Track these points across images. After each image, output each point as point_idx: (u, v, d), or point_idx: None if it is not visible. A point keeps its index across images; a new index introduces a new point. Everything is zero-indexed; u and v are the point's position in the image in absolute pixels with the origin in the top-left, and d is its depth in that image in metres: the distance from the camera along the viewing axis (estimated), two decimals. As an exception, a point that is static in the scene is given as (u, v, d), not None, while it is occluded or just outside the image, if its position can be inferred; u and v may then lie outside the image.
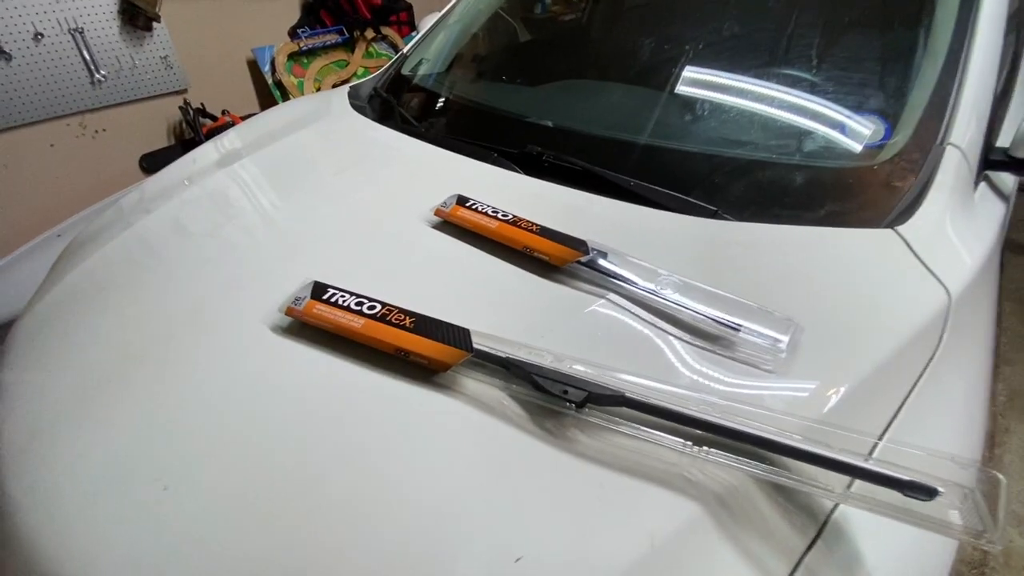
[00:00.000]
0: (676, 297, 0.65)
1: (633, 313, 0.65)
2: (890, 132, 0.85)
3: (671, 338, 0.62)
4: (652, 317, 0.65)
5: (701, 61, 1.03)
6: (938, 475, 0.43)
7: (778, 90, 0.94)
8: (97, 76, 2.15)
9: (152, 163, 2.35)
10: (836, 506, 0.48)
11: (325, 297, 0.64)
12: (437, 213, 0.81)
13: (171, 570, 0.47)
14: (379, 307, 0.63)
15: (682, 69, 1.02)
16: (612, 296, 0.67)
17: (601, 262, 0.70)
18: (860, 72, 0.93)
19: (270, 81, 2.64)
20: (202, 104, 2.41)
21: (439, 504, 0.49)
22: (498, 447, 0.53)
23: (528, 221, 0.76)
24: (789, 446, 0.47)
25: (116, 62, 2.19)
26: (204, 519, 0.50)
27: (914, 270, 0.66)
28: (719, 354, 0.60)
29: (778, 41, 1.01)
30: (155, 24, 2.23)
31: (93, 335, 0.71)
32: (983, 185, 0.87)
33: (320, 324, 0.63)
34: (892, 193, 0.77)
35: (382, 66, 1.49)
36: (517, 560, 0.45)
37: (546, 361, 0.57)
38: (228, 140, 1.21)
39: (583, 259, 0.70)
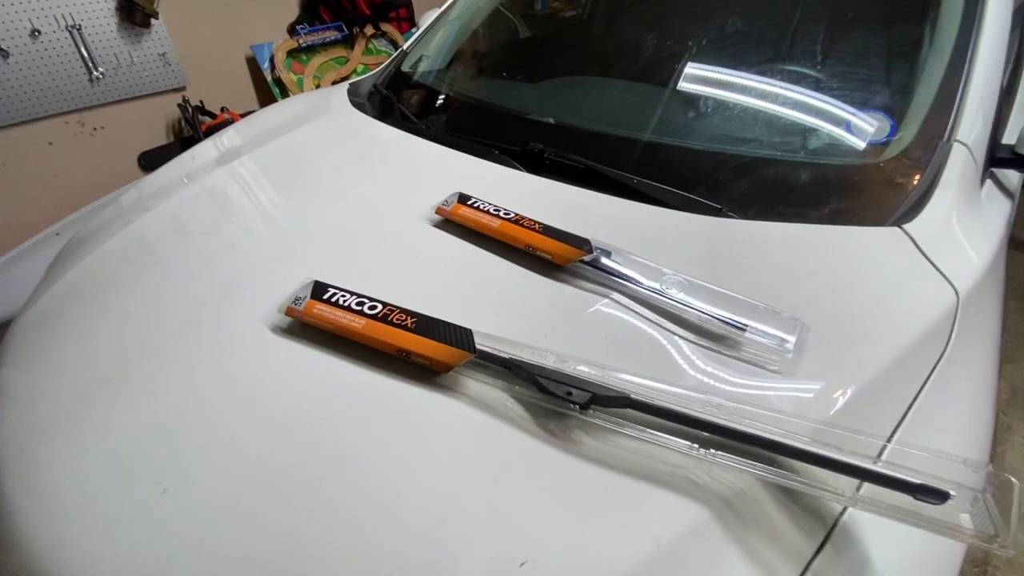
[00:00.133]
0: (681, 296, 0.64)
1: (637, 313, 0.64)
2: (896, 129, 0.84)
3: (676, 338, 0.62)
4: (656, 317, 0.64)
5: (704, 57, 1.02)
6: (949, 478, 0.43)
7: (783, 86, 0.93)
8: (95, 73, 2.13)
9: (151, 161, 2.34)
10: (845, 509, 0.48)
11: (325, 297, 0.64)
12: (438, 211, 0.80)
13: (170, 572, 0.47)
14: (380, 307, 0.62)
15: (685, 65, 1.01)
16: (616, 295, 0.66)
17: (605, 261, 0.69)
18: (865, 68, 0.93)
19: (269, 78, 2.62)
20: (201, 101, 2.40)
21: (441, 507, 0.48)
22: (501, 449, 0.52)
23: (530, 219, 0.75)
24: (797, 449, 0.46)
25: (114, 59, 2.18)
26: (203, 521, 0.49)
27: (922, 269, 0.66)
28: (725, 354, 0.59)
29: (782, 37, 1.01)
30: (153, 21, 2.22)
31: (92, 335, 0.71)
32: (989, 182, 0.86)
33: (320, 324, 0.62)
34: (898, 191, 0.77)
35: (382, 63, 1.48)
36: (521, 564, 0.44)
37: (549, 362, 0.56)
38: (227, 138, 1.20)
39: (586, 258, 0.69)
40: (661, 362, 0.59)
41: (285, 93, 2.62)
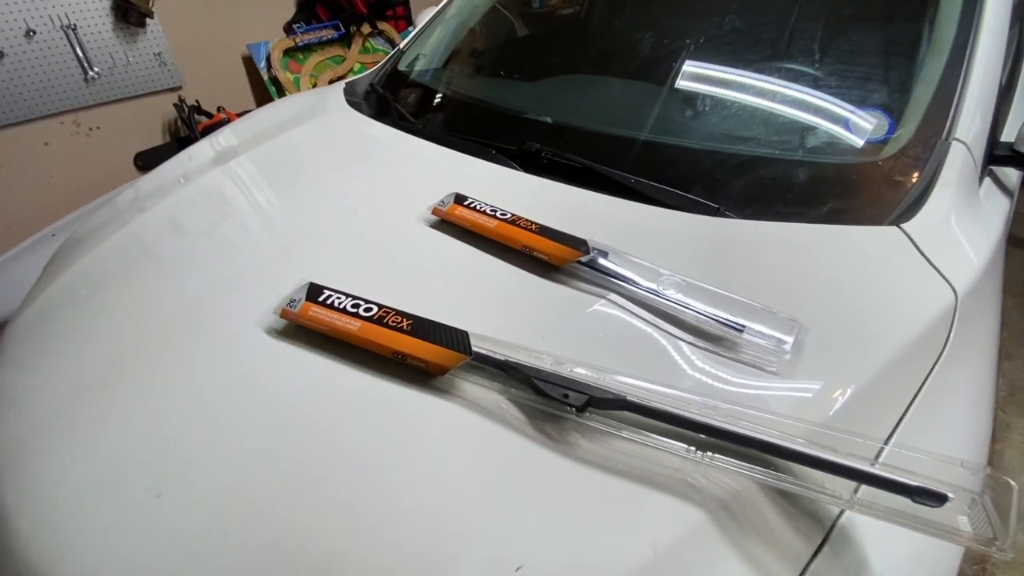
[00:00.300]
0: (678, 297, 0.64)
1: (634, 314, 0.64)
2: (894, 127, 0.83)
3: (673, 339, 0.61)
4: (654, 318, 0.63)
5: (702, 55, 1.02)
6: (947, 480, 0.43)
7: (781, 85, 0.92)
8: (91, 73, 2.12)
9: (147, 161, 2.33)
10: (842, 512, 0.47)
11: (321, 299, 0.63)
12: (435, 212, 0.79)
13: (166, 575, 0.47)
14: (376, 309, 0.62)
15: (683, 63, 1.00)
16: (613, 296, 0.66)
17: (602, 262, 0.69)
18: (864, 66, 0.92)
19: (266, 77, 2.62)
20: (197, 101, 2.39)
21: (438, 511, 0.48)
22: (497, 452, 0.52)
23: (527, 220, 0.75)
24: (794, 451, 0.46)
25: (110, 59, 2.17)
26: (198, 525, 0.49)
27: (920, 269, 0.65)
28: (722, 355, 0.59)
29: (780, 35, 1.00)
30: (148, 20, 2.21)
31: (87, 337, 0.71)
32: (987, 181, 0.86)
33: (316, 327, 0.62)
34: (896, 189, 0.76)
35: (379, 61, 1.48)
36: (518, 569, 0.44)
37: (546, 364, 0.56)
38: (224, 137, 1.20)
39: (583, 259, 0.69)
40: (658, 364, 0.59)
41: (282, 92, 2.61)
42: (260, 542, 0.48)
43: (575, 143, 0.93)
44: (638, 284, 0.66)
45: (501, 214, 0.76)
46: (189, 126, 2.32)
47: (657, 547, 0.45)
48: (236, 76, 2.67)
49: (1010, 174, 0.91)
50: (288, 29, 2.75)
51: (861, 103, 0.87)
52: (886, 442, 0.51)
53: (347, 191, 0.92)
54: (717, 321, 0.61)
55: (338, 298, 0.63)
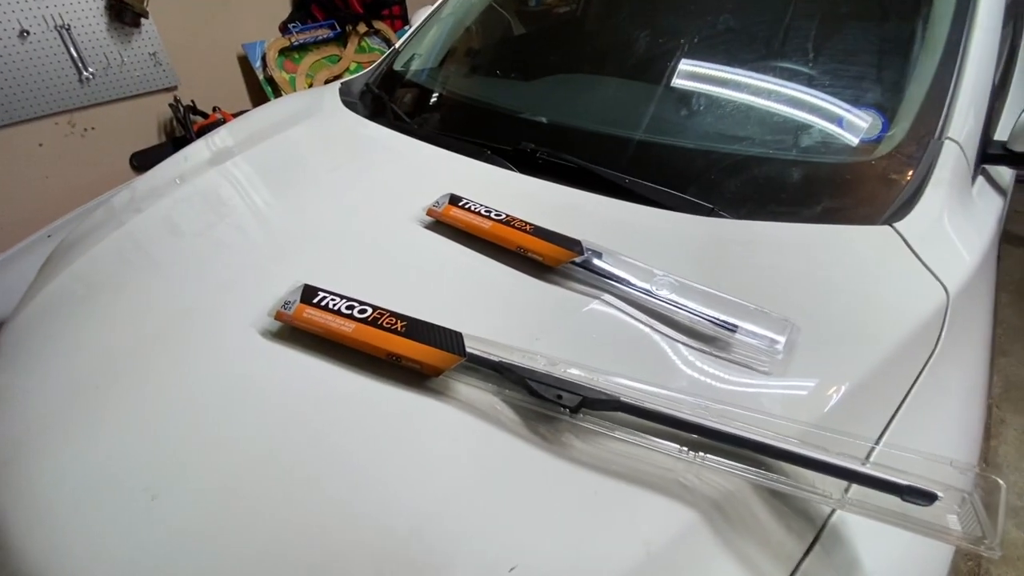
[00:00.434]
0: (672, 298, 0.64)
1: (628, 314, 0.64)
2: (887, 126, 0.84)
3: (667, 340, 0.61)
4: (647, 318, 0.64)
5: (696, 55, 1.02)
6: (937, 479, 0.43)
7: (774, 84, 0.93)
8: (85, 74, 2.12)
9: (143, 161, 2.32)
10: (833, 511, 0.48)
11: (315, 301, 0.63)
12: (429, 213, 0.80)
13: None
14: (370, 311, 0.62)
15: (677, 63, 1.00)
16: (607, 297, 0.66)
17: (596, 262, 0.69)
18: (857, 65, 0.92)
19: (261, 77, 2.61)
20: (192, 101, 2.39)
21: (431, 511, 0.48)
22: (491, 453, 0.52)
23: (522, 221, 0.75)
24: (786, 451, 0.46)
25: (104, 59, 2.16)
26: (193, 526, 0.49)
27: (912, 268, 0.66)
28: (715, 355, 0.59)
29: (774, 34, 1.00)
30: (143, 20, 2.20)
31: (82, 339, 0.71)
32: (980, 179, 0.86)
33: (310, 328, 0.62)
34: (889, 189, 0.77)
35: (375, 61, 1.47)
36: (511, 569, 0.44)
37: (540, 365, 0.56)
38: (219, 138, 1.19)
39: (577, 259, 0.69)
40: (652, 364, 0.59)
41: (277, 92, 2.61)
42: (255, 543, 0.48)
43: (570, 143, 0.93)
44: (632, 284, 0.66)
45: (496, 215, 0.76)
46: (184, 126, 2.31)
47: (650, 547, 0.45)
48: (232, 76, 2.66)
49: (1003, 173, 0.91)
50: (284, 28, 2.74)
51: (854, 102, 0.87)
52: (877, 441, 0.51)
53: (342, 192, 0.92)
54: (710, 321, 0.61)
55: (332, 300, 0.63)
